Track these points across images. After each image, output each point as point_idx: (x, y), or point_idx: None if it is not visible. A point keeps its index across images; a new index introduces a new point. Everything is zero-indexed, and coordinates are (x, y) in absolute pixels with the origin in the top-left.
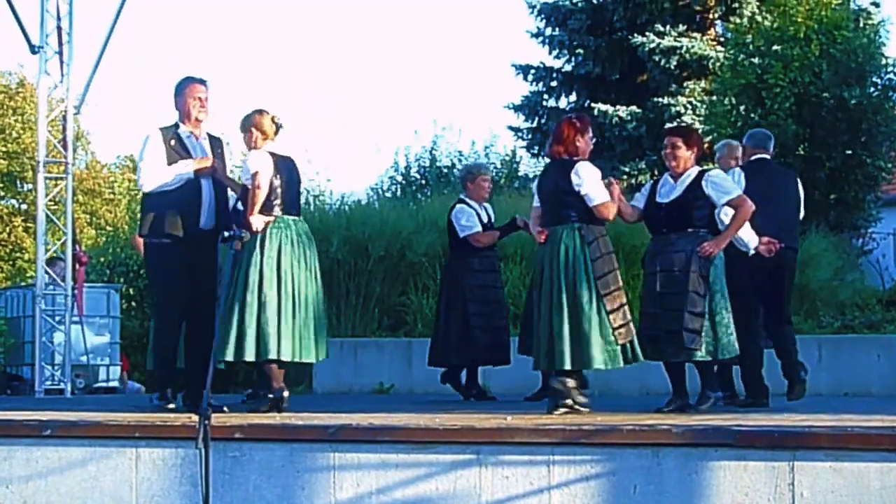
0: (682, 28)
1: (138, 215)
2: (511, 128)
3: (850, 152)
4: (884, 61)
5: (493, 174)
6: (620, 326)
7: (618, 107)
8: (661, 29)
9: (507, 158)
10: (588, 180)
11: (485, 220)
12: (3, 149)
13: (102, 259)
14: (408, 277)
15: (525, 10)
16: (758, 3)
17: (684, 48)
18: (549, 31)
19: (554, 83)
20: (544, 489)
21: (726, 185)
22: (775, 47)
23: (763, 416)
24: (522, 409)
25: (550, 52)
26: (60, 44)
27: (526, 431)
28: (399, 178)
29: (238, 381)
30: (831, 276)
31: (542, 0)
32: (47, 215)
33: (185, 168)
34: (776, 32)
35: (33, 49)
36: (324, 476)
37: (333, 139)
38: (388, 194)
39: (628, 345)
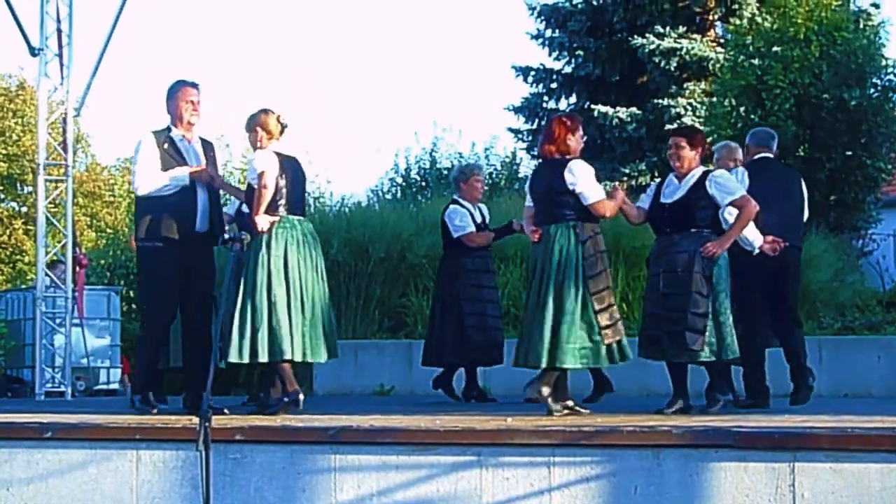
0: (681, 29)
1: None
2: (511, 129)
3: (850, 153)
4: (884, 62)
5: (494, 176)
6: (607, 326)
7: (618, 108)
8: (661, 30)
9: (507, 160)
10: (582, 178)
11: (478, 220)
12: (3, 151)
13: (103, 261)
14: (408, 279)
15: (525, 11)
16: (758, 5)
17: (684, 50)
18: (549, 32)
19: (554, 85)
20: (545, 490)
21: (730, 185)
22: (775, 48)
23: (763, 418)
24: (523, 410)
25: (550, 54)
26: (60, 46)
27: (526, 433)
28: (399, 180)
29: (239, 383)
30: (831, 277)
31: (541, 2)
32: (47, 218)
33: (182, 174)
34: (776, 34)
35: (33, 51)
36: (325, 478)
37: (333, 140)
38: (389, 196)
39: (615, 345)
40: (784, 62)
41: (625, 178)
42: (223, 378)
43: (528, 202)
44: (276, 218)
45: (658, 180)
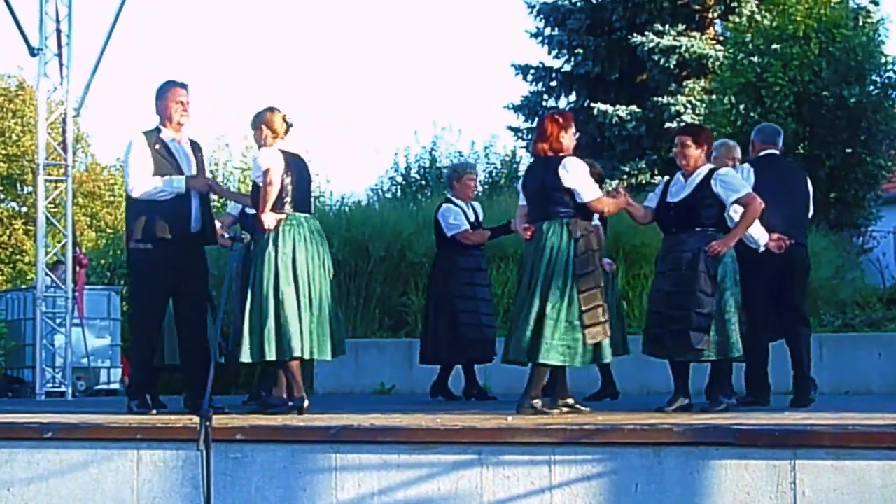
0: (681, 27)
1: None
2: (511, 128)
3: (849, 150)
4: (883, 59)
5: (494, 174)
6: (591, 325)
7: (617, 106)
8: (661, 28)
9: (507, 158)
10: (577, 176)
11: (472, 218)
12: (3, 152)
13: (103, 261)
14: (408, 278)
15: (524, 10)
16: (757, 2)
17: (683, 47)
18: (548, 31)
19: (553, 83)
20: (546, 489)
21: (735, 183)
22: (774, 46)
23: (764, 415)
24: None
25: (550, 52)
26: (60, 46)
27: (527, 431)
28: (399, 179)
29: (239, 382)
30: (832, 274)
31: (541, 0)
32: (47, 218)
33: (179, 183)
34: (775, 31)
35: (33, 52)
36: (325, 477)
37: (333, 139)
38: (389, 195)
39: (596, 345)
40: (783, 59)
41: (625, 177)
42: (223, 377)
43: (522, 201)
44: (283, 215)
45: (666, 178)
